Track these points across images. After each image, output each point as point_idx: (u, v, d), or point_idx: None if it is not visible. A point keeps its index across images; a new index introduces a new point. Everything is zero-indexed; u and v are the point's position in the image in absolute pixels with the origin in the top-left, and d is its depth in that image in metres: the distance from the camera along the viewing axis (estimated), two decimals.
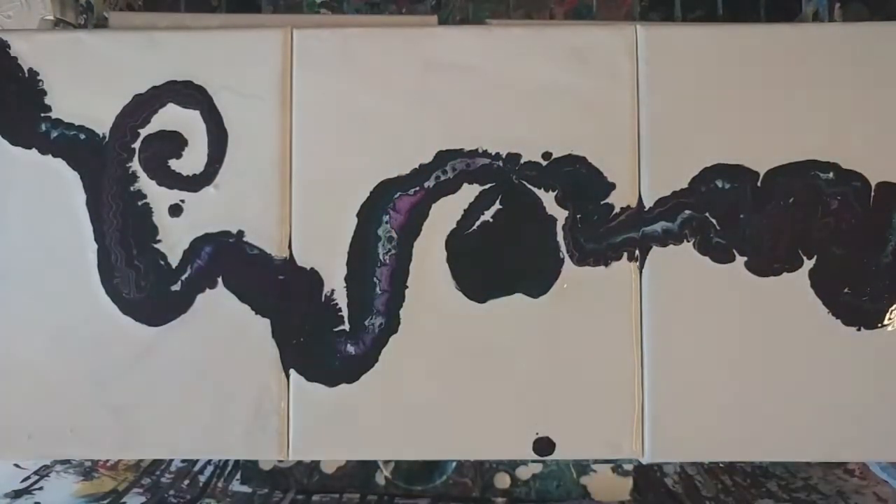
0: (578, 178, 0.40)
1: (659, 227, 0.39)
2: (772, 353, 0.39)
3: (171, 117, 0.40)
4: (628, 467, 0.52)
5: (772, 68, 0.40)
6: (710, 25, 0.47)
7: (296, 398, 0.39)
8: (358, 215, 0.40)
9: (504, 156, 0.40)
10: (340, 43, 0.41)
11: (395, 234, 0.40)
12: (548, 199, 0.40)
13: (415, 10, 0.54)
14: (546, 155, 0.40)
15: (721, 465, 0.52)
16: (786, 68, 0.40)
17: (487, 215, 0.40)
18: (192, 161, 0.40)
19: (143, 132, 0.40)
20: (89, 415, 0.39)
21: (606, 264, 0.39)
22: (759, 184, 0.39)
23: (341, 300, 0.40)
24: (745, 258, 0.39)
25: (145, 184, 0.40)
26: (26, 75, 0.40)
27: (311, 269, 0.40)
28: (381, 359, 0.39)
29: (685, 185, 0.39)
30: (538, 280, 0.39)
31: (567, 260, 0.39)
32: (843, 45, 0.40)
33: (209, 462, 0.52)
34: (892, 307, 0.39)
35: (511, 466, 0.52)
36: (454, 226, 0.40)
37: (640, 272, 0.39)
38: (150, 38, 0.41)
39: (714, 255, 0.39)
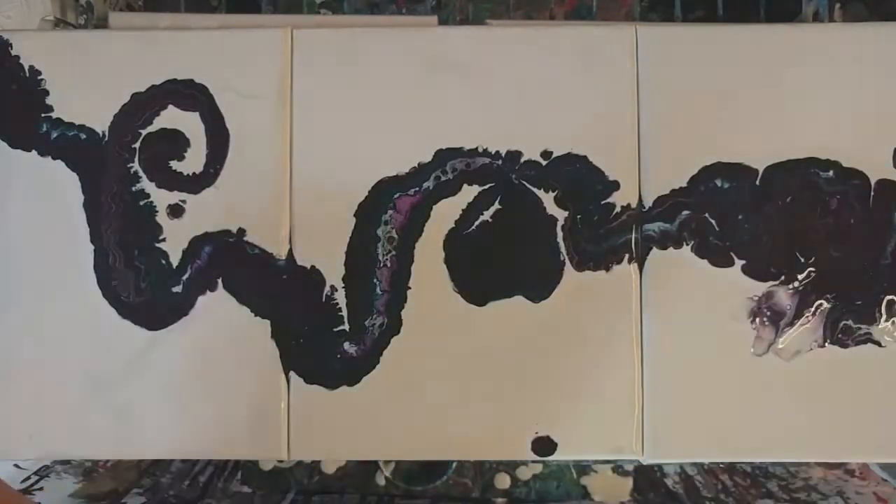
0: (579, 178, 0.40)
1: (657, 227, 0.39)
2: (771, 353, 0.39)
3: (171, 118, 0.40)
4: (628, 467, 0.52)
5: (772, 68, 0.40)
6: (710, 25, 0.47)
7: (296, 398, 0.39)
8: (356, 215, 0.40)
9: (504, 154, 0.40)
10: (340, 43, 0.41)
11: (395, 235, 0.40)
12: (548, 199, 0.40)
13: (415, 10, 0.54)
14: (546, 154, 0.40)
15: (721, 465, 0.52)
16: (786, 68, 0.40)
17: (487, 215, 0.40)
18: (192, 161, 0.40)
19: (144, 132, 0.40)
20: (89, 415, 0.39)
21: (607, 269, 0.39)
22: (757, 182, 0.39)
23: (341, 300, 0.40)
24: (744, 261, 0.39)
25: (146, 184, 0.40)
26: (27, 75, 0.40)
27: (312, 267, 0.40)
28: (382, 360, 0.39)
29: (684, 184, 0.39)
30: (538, 284, 0.39)
31: (567, 264, 0.39)
32: (843, 45, 0.40)
33: (209, 462, 0.52)
34: (891, 309, 0.39)
35: (511, 467, 0.53)
36: (452, 226, 0.40)
37: (640, 273, 0.39)
38: (150, 38, 0.41)
39: (712, 258, 0.39)
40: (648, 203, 0.40)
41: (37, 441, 0.40)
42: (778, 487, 0.50)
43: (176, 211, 0.40)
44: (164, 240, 0.40)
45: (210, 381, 0.39)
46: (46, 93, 0.40)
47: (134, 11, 0.52)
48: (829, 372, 0.39)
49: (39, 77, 0.40)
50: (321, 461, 0.52)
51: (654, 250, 0.39)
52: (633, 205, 0.39)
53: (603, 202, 0.40)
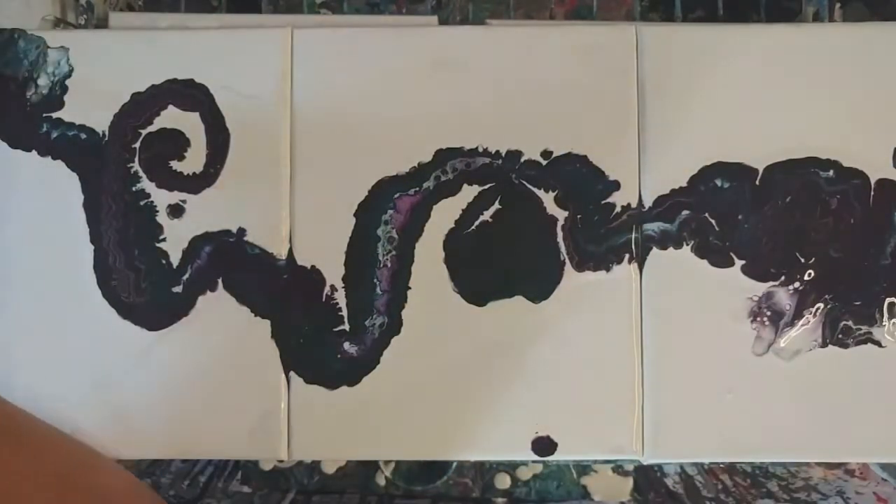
0: (579, 178, 0.40)
1: (657, 227, 0.39)
2: (771, 353, 0.39)
3: (171, 118, 0.40)
4: (628, 467, 0.52)
5: (772, 68, 0.40)
6: (710, 25, 0.47)
7: (296, 398, 0.39)
8: (355, 215, 0.40)
9: (504, 154, 0.40)
10: (340, 43, 0.41)
11: (395, 235, 0.40)
12: (548, 199, 0.40)
13: (415, 10, 0.54)
14: (546, 154, 0.40)
15: (721, 465, 0.52)
16: (786, 68, 0.40)
17: (487, 215, 0.40)
18: (192, 161, 0.40)
19: (144, 132, 0.40)
20: (89, 415, 0.39)
21: (607, 269, 0.39)
22: (757, 182, 0.39)
23: (341, 300, 0.40)
24: (744, 261, 0.39)
25: (146, 184, 0.40)
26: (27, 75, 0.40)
27: (312, 267, 0.40)
28: (382, 360, 0.39)
29: (684, 184, 0.39)
30: (538, 284, 0.39)
31: (567, 264, 0.39)
32: (843, 45, 0.40)
33: (209, 462, 0.52)
34: (891, 309, 0.39)
35: (511, 467, 0.52)
36: (452, 226, 0.40)
37: (640, 273, 0.39)
38: (150, 38, 0.41)
39: (712, 258, 0.39)
40: (648, 203, 0.40)
41: None
42: (778, 487, 0.50)
43: (176, 211, 0.40)
44: (164, 240, 0.40)
45: (210, 381, 0.39)
46: None
47: (134, 11, 0.52)
48: (829, 372, 0.39)
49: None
50: (321, 461, 0.52)
51: (654, 250, 0.39)
52: (633, 205, 0.39)
53: (603, 202, 0.40)
